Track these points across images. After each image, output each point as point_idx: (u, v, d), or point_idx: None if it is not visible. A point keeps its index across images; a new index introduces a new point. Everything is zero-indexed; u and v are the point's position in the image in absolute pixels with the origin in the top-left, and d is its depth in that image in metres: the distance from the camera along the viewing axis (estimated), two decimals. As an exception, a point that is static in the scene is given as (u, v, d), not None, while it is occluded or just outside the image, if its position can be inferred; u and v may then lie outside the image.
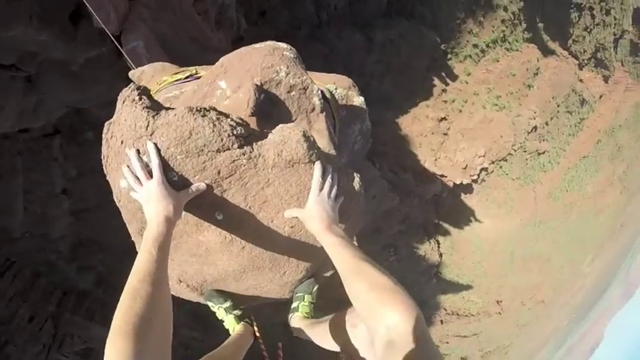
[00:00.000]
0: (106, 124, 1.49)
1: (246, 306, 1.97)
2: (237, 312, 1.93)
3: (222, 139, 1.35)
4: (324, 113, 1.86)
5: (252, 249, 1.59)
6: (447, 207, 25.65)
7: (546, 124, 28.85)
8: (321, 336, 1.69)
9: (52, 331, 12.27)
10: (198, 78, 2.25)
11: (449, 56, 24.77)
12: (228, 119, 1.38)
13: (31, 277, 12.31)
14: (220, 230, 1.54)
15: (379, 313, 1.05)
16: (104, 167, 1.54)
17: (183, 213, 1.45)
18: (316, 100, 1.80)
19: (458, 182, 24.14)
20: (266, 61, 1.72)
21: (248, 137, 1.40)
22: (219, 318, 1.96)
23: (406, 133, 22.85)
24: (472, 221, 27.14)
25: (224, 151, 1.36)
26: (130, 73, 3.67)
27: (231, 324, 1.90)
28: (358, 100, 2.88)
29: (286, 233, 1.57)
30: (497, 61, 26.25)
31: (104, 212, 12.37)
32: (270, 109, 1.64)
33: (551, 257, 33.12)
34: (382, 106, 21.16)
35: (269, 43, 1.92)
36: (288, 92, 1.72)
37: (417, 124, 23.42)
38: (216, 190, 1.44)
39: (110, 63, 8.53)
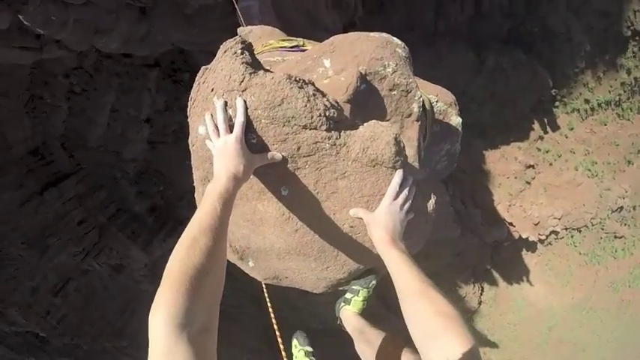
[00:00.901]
0: (203, 68, 1.52)
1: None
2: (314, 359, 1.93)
3: (312, 116, 1.32)
4: (419, 122, 1.77)
5: (305, 234, 1.56)
6: (504, 257, 24.38)
7: (634, 208, 26.31)
8: (364, 348, 1.69)
9: (96, 239, 13.35)
10: (304, 50, 2.24)
11: (556, 103, 23.30)
12: (324, 99, 1.35)
13: (93, 186, 13.45)
14: (281, 205, 1.52)
15: (441, 341, 1.05)
16: (188, 109, 1.57)
17: (251, 177, 1.45)
18: (415, 107, 1.72)
19: (524, 236, 22.81)
20: (377, 52, 1.66)
21: (338, 123, 1.36)
22: (295, 356, 1.96)
23: (489, 168, 21.93)
24: (524, 281, 25.62)
25: (310, 129, 1.34)
26: (239, 29, 3.78)
27: None
28: (455, 120, 2.74)
29: (345, 230, 1.52)
30: (605, 124, 24.21)
31: (178, 150, 13.13)
32: (367, 101, 1.58)
33: (587, 349, 30.53)
34: (474, 133, 20.44)
35: (384, 35, 1.86)
36: (390, 90, 1.66)
37: (502, 163, 22.37)
38: (291, 165, 1.41)
39: (223, 15, 8.94)
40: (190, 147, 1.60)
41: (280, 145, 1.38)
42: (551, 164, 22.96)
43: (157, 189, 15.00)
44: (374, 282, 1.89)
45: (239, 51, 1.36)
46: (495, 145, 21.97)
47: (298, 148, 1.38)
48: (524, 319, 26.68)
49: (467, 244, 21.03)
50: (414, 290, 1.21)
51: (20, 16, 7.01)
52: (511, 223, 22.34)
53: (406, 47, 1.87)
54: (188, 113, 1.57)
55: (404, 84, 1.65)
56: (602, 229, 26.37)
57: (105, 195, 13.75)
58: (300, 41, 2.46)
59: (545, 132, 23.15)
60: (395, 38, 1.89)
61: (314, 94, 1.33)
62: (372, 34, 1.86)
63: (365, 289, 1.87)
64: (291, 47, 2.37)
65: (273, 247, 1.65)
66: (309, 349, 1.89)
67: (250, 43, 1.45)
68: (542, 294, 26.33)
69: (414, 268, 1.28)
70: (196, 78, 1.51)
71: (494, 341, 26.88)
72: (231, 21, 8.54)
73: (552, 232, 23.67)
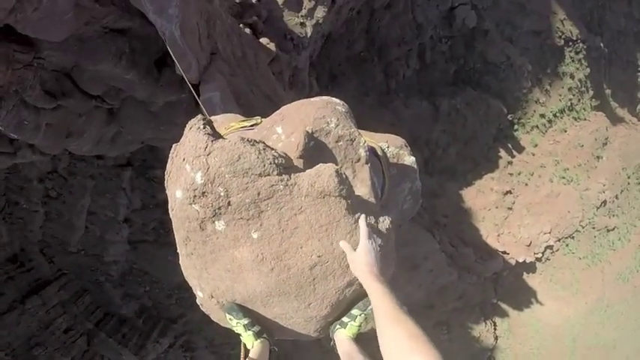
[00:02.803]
0: (174, 145, 1.81)
1: (271, 339, 2.07)
2: (256, 328, 2.02)
3: (264, 165, 1.61)
4: (369, 165, 2.03)
5: (281, 272, 1.74)
6: (507, 286, 24.18)
7: (616, 197, 27.06)
8: None
9: (85, 347, 12.77)
10: (262, 126, 2.53)
11: (515, 126, 24.56)
12: (273, 151, 1.64)
13: (77, 292, 13.10)
14: (254, 248, 1.73)
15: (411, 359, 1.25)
16: (165, 181, 1.84)
17: (223, 227, 1.67)
18: (362, 152, 1.99)
19: (521, 260, 22.86)
20: (319, 112, 1.96)
21: (288, 168, 1.63)
22: (237, 332, 2.06)
23: (469, 205, 22.42)
24: (533, 303, 25.23)
25: (265, 175, 1.61)
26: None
27: (250, 340, 2.00)
28: (409, 160, 3.00)
29: (314, 261, 1.73)
30: (565, 131, 25.54)
31: (160, 248, 13.07)
32: (318, 155, 1.85)
33: (617, 345, 29.61)
34: (446, 177, 21.18)
35: (324, 97, 2.18)
36: (337, 142, 1.94)
37: (480, 197, 22.96)
38: (255, 209, 1.65)
39: (187, 109, 9.37)
40: (170, 212, 1.83)
41: (243, 194, 1.63)
42: (526, 184, 23.70)
43: (144, 289, 14.67)
44: (371, 306, 2.03)
45: (201, 125, 1.67)
46: (469, 182, 22.64)
47: (258, 194, 1.65)
48: (546, 340, 25.90)
49: (467, 284, 20.93)
50: (392, 318, 1.42)
51: None
52: (505, 252, 22.45)
53: (345, 104, 2.19)
54: (166, 185, 1.83)
55: (347, 134, 1.95)
56: (594, 228, 26.75)
57: (90, 300, 13.37)
58: (258, 119, 2.76)
59: (513, 156, 24.15)
60: (333, 98, 2.22)
61: (264, 149, 1.64)
62: (313, 98, 2.19)
63: (362, 315, 1.99)
64: (251, 125, 2.66)
65: (255, 292, 1.81)
66: (246, 320, 1.99)
67: (210, 120, 1.76)
68: (555, 310, 25.85)
69: (392, 297, 1.51)
70: (170, 154, 1.78)
71: (523, 373, 25.77)
72: (196, 112, 9.14)
73: (547, 247, 23.86)
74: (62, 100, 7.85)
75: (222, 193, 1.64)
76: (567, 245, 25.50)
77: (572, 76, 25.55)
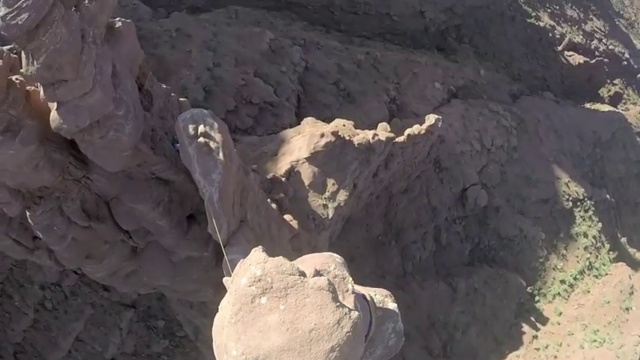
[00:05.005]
0: (241, 260, 3.36)
1: None
2: None
3: (292, 271, 3.17)
4: (354, 295, 3.55)
5: (292, 331, 3.05)
6: None
7: None
8: None
9: None
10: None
11: (536, 298, 25.12)
12: (297, 266, 3.20)
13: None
14: (280, 315, 3.10)
15: None
16: (231, 280, 3.34)
17: (265, 301, 3.10)
18: (349, 286, 3.53)
19: None
20: (324, 260, 3.58)
21: (303, 274, 3.17)
22: None
23: (496, 389, 21.83)
24: None
25: (292, 275, 3.16)
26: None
27: None
28: (392, 306, 4.56)
29: (311, 327, 3.07)
30: (588, 291, 25.90)
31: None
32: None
33: None
34: (467, 361, 21.24)
35: (330, 253, 3.83)
36: (334, 278, 3.50)
37: (507, 379, 22.43)
38: (284, 292, 3.13)
39: (206, 267, 10.74)
40: (228, 295, 3.27)
41: (279, 283, 3.12)
42: (555, 357, 23.10)
43: None
44: None
45: (262, 249, 3.25)
46: (493, 364, 22.47)
47: (287, 284, 3.14)
48: None
49: None
50: None
51: (27, 213, 8.39)
52: None
53: (342, 258, 3.81)
54: (231, 281, 3.34)
55: (340, 274, 3.52)
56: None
57: None
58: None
59: (537, 329, 24.12)
60: (335, 254, 3.85)
61: (293, 264, 3.19)
62: (323, 253, 3.83)
63: None
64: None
65: (274, 346, 3.08)
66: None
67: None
68: None
69: None
70: (238, 264, 3.35)
71: None
72: (214, 274, 10.26)
73: None
74: (94, 223, 9.18)
75: (269, 281, 3.10)
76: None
77: (585, 235, 27.18)
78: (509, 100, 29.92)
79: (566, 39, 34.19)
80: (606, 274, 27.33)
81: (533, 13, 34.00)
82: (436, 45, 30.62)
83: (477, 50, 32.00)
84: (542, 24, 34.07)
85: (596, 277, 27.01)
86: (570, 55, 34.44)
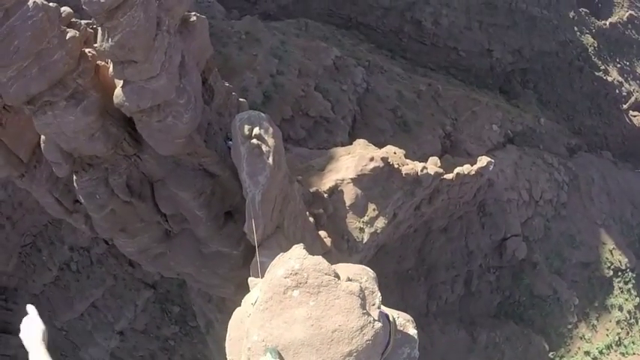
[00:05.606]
0: (280, 253, 3.66)
1: None
2: None
3: (328, 270, 3.32)
4: (380, 309, 3.77)
5: (316, 328, 3.19)
6: None
7: None
8: None
9: None
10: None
11: (557, 365, 24.16)
12: (334, 267, 3.44)
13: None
14: (307, 310, 3.28)
15: None
16: (268, 271, 3.64)
17: (297, 294, 3.36)
18: (377, 301, 3.75)
19: None
20: (358, 271, 3.82)
21: (337, 276, 3.40)
22: None
23: None
24: None
25: (326, 275, 3.31)
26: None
27: None
28: (412, 332, 4.71)
29: (335, 327, 3.20)
30: None
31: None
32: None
33: None
34: None
35: (362, 265, 4.07)
36: (365, 288, 3.75)
37: None
38: (316, 289, 3.28)
39: (233, 265, 11.14)
40: (265, 282, 3.55)
41: (314, 280, 3.27)
42: None
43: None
44: None
45: (303, 246, 3.55)
46: None
47: (321, 282, 3.25)
48: None
49: None
50: None
51: (75, 177, 8.99)
52: None
53: (374, 273, 4.04)
54: (267, 272, 3.63)
55: (370, 287, 3.75)
56: None
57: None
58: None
59: (554, 406, 23.17)
60: (367, 267, 4.09)
61: (329, 265, 3.44)
62: (358, 265, 4.09)
63: None
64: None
65: (296, 339, 3.27)
66: None
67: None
68: None
69: None
70: (277, 257, 3.65)
71: None
72: (239, 273, 10.70)
73: None
74: (135, 200, 9.81)
75: (305, 276, 3.31)
76: None
77: (620, 308, 25.96)
78: (565, 154, 29.20)
79: (633, 97, 33.18)
80: (633, 354, 26.04)
81: (602, 67, 33.19)
82: (499, 86, 30.50)
83: (540, 97, 31.55)
84: (610, 79, 33.24)
85: (623, 354, 25.75)
86: (635, 116, 33.42)
